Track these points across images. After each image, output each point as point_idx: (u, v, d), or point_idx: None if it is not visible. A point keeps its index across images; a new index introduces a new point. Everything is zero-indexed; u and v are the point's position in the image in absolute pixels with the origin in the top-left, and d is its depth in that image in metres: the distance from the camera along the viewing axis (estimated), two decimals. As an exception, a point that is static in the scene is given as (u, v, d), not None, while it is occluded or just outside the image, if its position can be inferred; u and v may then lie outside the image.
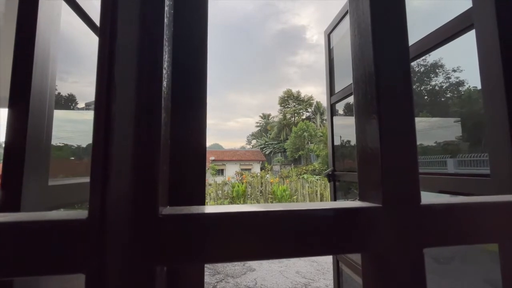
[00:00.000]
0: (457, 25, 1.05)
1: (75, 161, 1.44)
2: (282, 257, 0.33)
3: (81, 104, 1.55)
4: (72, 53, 1.27)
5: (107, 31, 0.31)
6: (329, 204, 0.35)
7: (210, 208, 0.34)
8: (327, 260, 4.74)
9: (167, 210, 0.32)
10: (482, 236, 0.38)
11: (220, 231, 0.31)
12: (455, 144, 2.14)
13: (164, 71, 0.32)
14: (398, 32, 0.39)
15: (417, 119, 2.38)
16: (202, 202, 0.45)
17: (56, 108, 0.89)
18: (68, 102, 1.41)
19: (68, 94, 1.38)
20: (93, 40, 1.19)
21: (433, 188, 1.30)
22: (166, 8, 0.33)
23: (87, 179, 1.08)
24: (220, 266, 4.60)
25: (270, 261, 4.80)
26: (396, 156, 0.36)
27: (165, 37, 0.32)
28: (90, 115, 1.60)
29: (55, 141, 0.91)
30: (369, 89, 0.39)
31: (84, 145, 1.46)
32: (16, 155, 0.65)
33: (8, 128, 0.69)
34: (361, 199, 0.39)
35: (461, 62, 2.22)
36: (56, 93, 0.94)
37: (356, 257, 1.87)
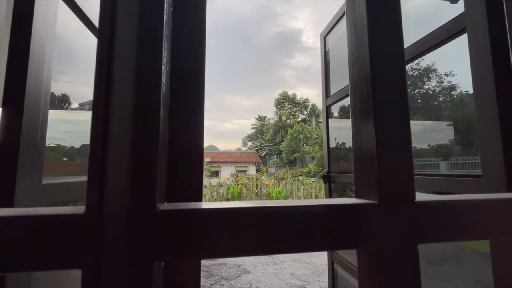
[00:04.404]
0: (450, 29, 1.08)
1: (68, 162, 1.42)
2: (278, 253, 0.33)
3: (74, 104, 1.53)
4: (66, 52, 1.25)
5: (106, 28, 0.31)
6: (325, 201, 0.35)
7: (207, 204, 0.34)
8: (322, 262, 4.75)
9: (165, 206, 0.32)
10: (475, 232, 0.39)
11: (217, 227, 0.31)
12: (448, 147, 2.17)
13: (163, 67, 0.32)
14: (393, 32, 0.40)
15: (411, 122, 2.41)
16: (199, 199, 0.45)
17: (50, 108, 0.88)
18: (61, 102, 1.39)
19: (62, 94, 1.36)
20: (88, 39, 1.18)
21: (429, 189, 1.32)
22: (165, 5, 0.33)
23: (81, 178, 1.06)
24: (214, 268, 4.57)
25: (265, 263, 4.79)
26: (391, 154, 0.36)
27: (164, 33, 0.32)
28: (84, 115, 1.58)
29: (48, 142, 0.90)
30: (365, 88, 0.39)
31: (77, 146, 1.44)
32: (10, 153, 0.65)
33: (2, 127, 0.68)
34: (357, 196, 0.40)
35: (454, 66, 2.26)
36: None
37: (351, 259, 1.87)
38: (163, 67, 0.32)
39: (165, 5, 0.33)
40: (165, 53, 0.34)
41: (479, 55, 0.85)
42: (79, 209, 0.29)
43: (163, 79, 0.32)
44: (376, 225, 0.35)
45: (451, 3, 1.56)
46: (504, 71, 0.78)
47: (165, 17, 0.33)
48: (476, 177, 0.91)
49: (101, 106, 0.29)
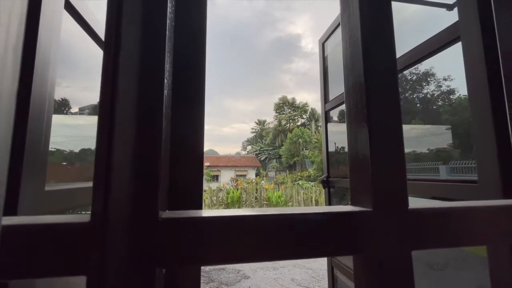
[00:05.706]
0: (445, 37, 1.10)
1: (67, 166, 1.42)
2: (276, 259, 0.34)
3: (74, 109, 1.54)
4: (66, 57, 1.26)
5: (112, 43, 0.32)
6: (321, 208, 0.37)
7: (207, 212, 0.35)
8: (322, 267, 4.72)
9: (167, 214, 0.33)
10: (468, 239, 0.40)
11: (217, 234, 0.33)
12: (447, 151, 2.18)
13: (166, 81, 0.33)
14: (386, 44, 0.41)
15: (410, 126, 2.43)
16: (199, 207, 0.46)
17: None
18: (61, 107, 1.40)
19: (62, 98, 1.37)
20: (88, 44, 1.19)
21: (426, 194, 1.33)
22: (167, 21, 0.34)
23: (82, 185, 1.07)
24: (214, 274, 4.54)
25: (265, 268, 4.77)
26: (385, 162, 0.38)
27: (166, 49, 0.34)
28: (83, 120, 1.59)
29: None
30: (359, 98, 0.41)
31: (76, 150, 1.45)
32: (14, 160, 0.66)
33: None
34: (353, 203, 0.41)
35: (452, 71, 2.29)
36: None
37: (351, 264, 1.87)
38: (166, 81, 0.33)
39: (167, 21, 0.34)
40: (168, 66, 0.35)
41: (473, 61, 0.87)
42: (84, 217, 0.30)
43: (165, 92, 0.34)
44: (370, 231, 0.36)
45: (447, 10, 1.60)
46: (497, 78, 0.80)
47: (167, 32, 0.34)
48: (473, 183, 0.92)
49: (106, 119, 0.30)
